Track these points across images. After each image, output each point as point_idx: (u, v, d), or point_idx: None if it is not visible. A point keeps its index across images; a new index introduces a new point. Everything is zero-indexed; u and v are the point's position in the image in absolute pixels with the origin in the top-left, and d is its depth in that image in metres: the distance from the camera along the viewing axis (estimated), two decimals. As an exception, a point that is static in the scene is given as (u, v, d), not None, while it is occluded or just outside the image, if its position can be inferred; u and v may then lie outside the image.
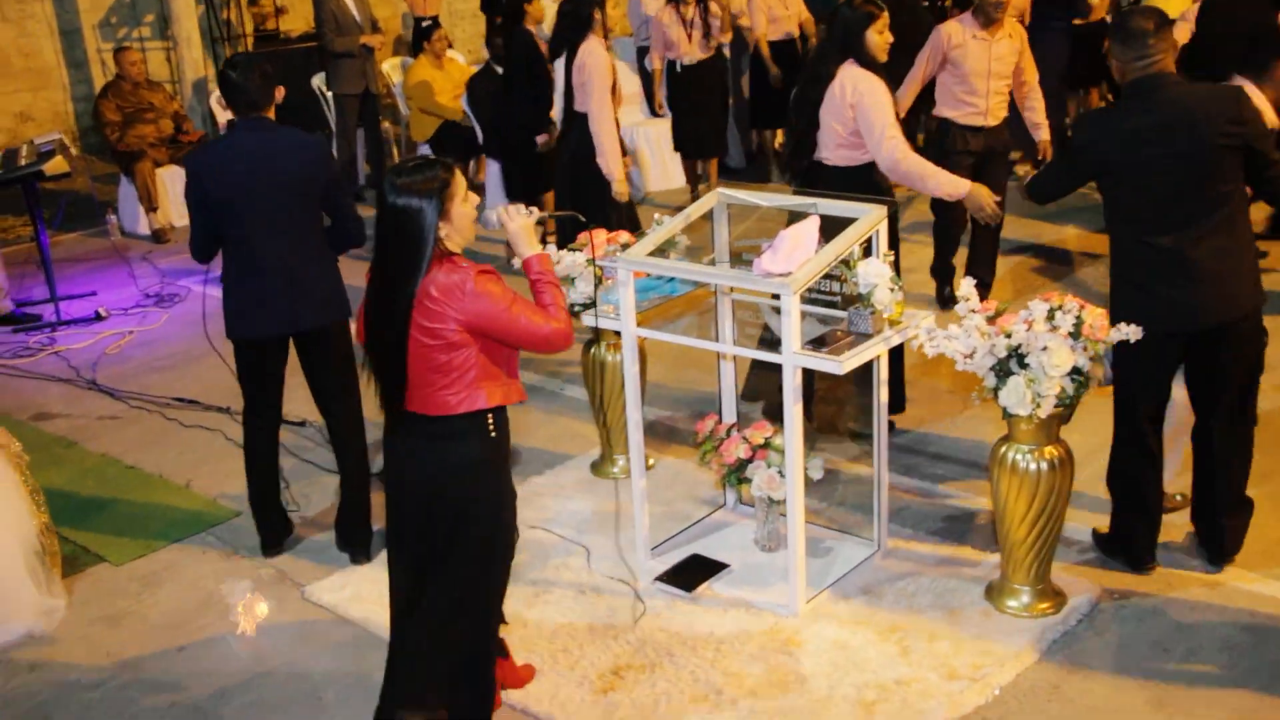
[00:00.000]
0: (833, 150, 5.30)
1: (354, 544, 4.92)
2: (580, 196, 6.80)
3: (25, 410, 6.66)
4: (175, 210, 10.09)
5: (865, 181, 5.21)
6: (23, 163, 7.88)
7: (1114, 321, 4.06)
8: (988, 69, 6.75)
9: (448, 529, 3.53)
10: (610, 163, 6.73)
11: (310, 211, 4.65)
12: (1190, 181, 4.13)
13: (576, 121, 6.87)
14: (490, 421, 3.50)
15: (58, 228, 9.93)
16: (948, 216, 7.06)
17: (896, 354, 5.29)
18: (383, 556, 4.88)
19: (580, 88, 6.73)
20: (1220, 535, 4.48)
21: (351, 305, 4.58)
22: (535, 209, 3.76)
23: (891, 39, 5.23)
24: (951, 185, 5.25)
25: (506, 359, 3.52)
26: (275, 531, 5.03)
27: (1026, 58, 6.87)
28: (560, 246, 5.31)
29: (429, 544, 3.57)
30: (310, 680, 4.22)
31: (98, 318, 7.98)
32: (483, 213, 3.70)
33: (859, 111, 5.14)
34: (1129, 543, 4.52)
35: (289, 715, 4.05)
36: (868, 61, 5.18)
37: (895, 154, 5.10)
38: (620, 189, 6.78)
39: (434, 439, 3.49)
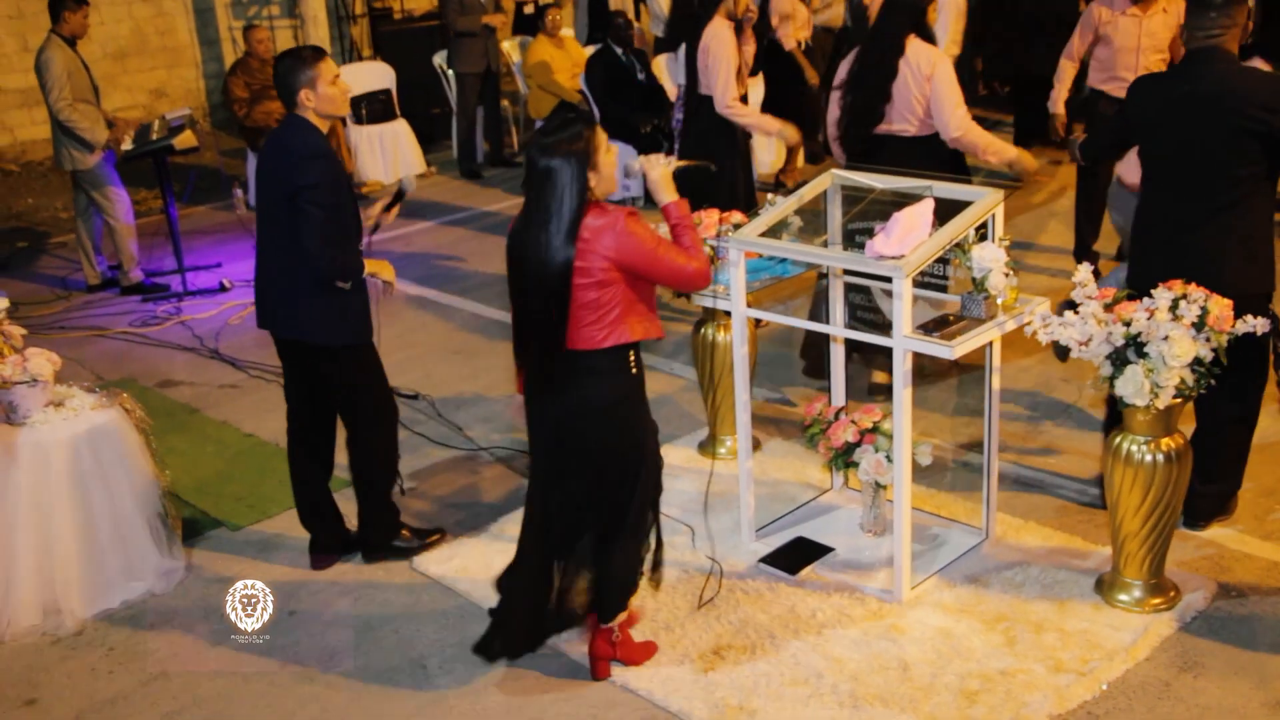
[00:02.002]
0: (908, 122, 5.51)
1: (362, 547, 4.91)
2: (700, 182, 6.70)
3: (151, 377, 6.87)
4: (299, 185, 10.31)
5: (940, 152, 5.49)
6: (154, 137, 8.11)
7: (1130, 276, 4.25)
8: (1137, 44, 6.85)
9: (602, 462, 3.80)
10: (766, 125, 6.81)
11: (283, 221, 4.39)
12: (1211, 157, 4.24)
13: (701, 105, 6.80)
14: (632, 358, 3.76)
15: (187, 201, 10.23)
16: (1090, 199, 7.06)
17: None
18: (491, 529, 4.97)
19: (704, 70, 6.66)
20: (1192, 498, 4.46)
21: (341, 331, 4.52)
22: (673, 158, 3.96)
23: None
24: (1002, 152, 5.53)
25: (647, 296, 3.76)
26: (318, 542, 4.89)
27: None
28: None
29: (586, 480, 3.82)
30: (415, 648, 4.30)
31: (222, 289, 8.20)
32: (624, 164, 3.85)
33: (934, 84, 5.40)
34: None
35: (393, 681, 4.13)
36: (928, 35, 5.52)
37: (965, 124, 5.43)
38: (788, 133, 6.90)
39: (580, 374, 3.71)
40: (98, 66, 9.72)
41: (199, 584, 4.80)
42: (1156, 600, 4.17)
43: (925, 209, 4.12)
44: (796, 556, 4.58)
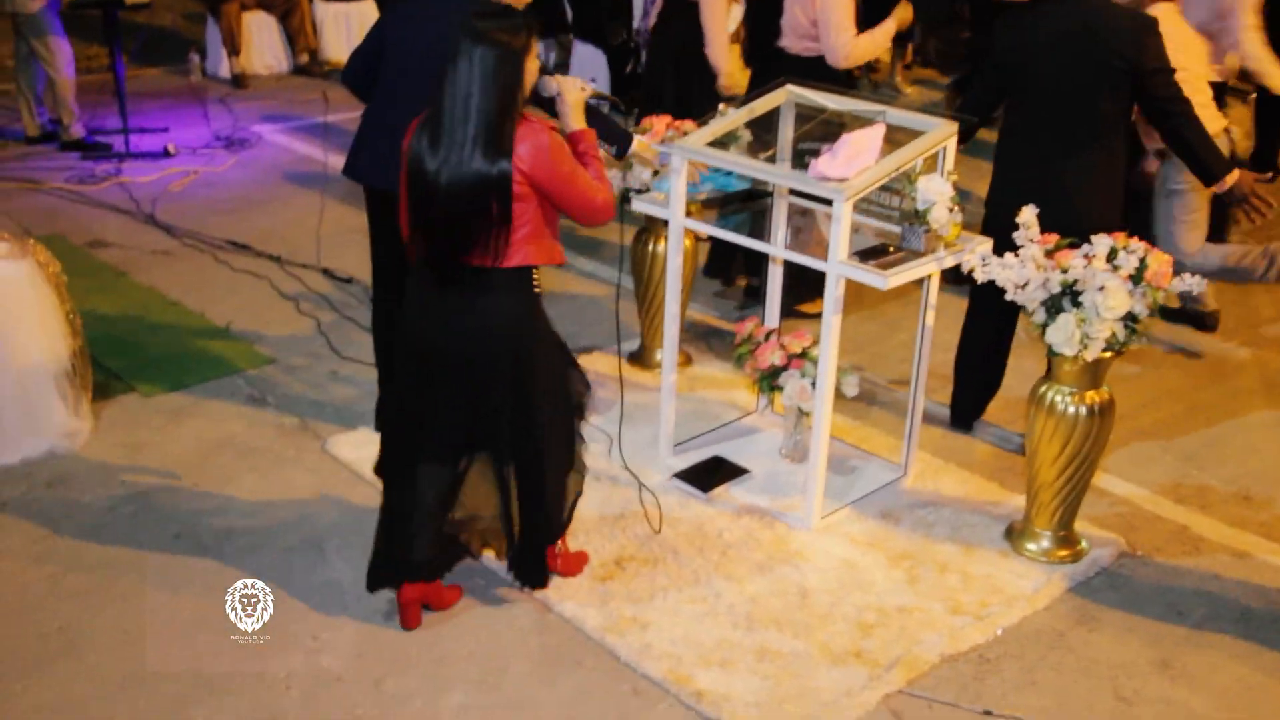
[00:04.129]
0: (799, 40, 5.46)
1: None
2: (683, 87, 6.51)
3: (82, 236, 6.69)
4: (258, 57, 10.05)
5: (830, 75, 5.36)
6: (105, -11, 7.85)
7: (986, 223, 4.32)
8: None
9: (501, 383, 3.56)
10: (717, 53, 6.45)
11: None
12: (1076, 94, 4.33)
13: (683, 10, 6.58)
14: (535, 278, 3.55)
15: (134, 59, 9.93)
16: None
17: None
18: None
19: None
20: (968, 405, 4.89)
21: None
22: (590, 85, 3.71)
23: None
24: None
25: (552, 220, 3.55)
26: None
27: None
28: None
29: (491, 403, 3.59)
30: (315, 529, 4.22)
31: (166, 154, 7.98)
32: (540, 79, 3.60)
33: (820, 6, 5.29)
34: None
35: (287, 561, 4.05)
36: None
37: (849, 51, 5.33)
38: (729, 81, 6.52)
39: (479, 291, 3.48)
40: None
41: (102, 447, 4.70)
42: (1063, 552, 4.16)
43: (876, 134, 4.02)
44: (711, 475, 4.52)
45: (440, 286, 3.51)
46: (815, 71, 5.21)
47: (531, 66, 3.39)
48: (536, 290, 3.57)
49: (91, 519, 4.26)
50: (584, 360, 5.39)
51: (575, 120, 3.64)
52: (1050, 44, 4.36)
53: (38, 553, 4.08)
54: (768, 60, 5.53)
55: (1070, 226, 4.01)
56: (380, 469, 3.83)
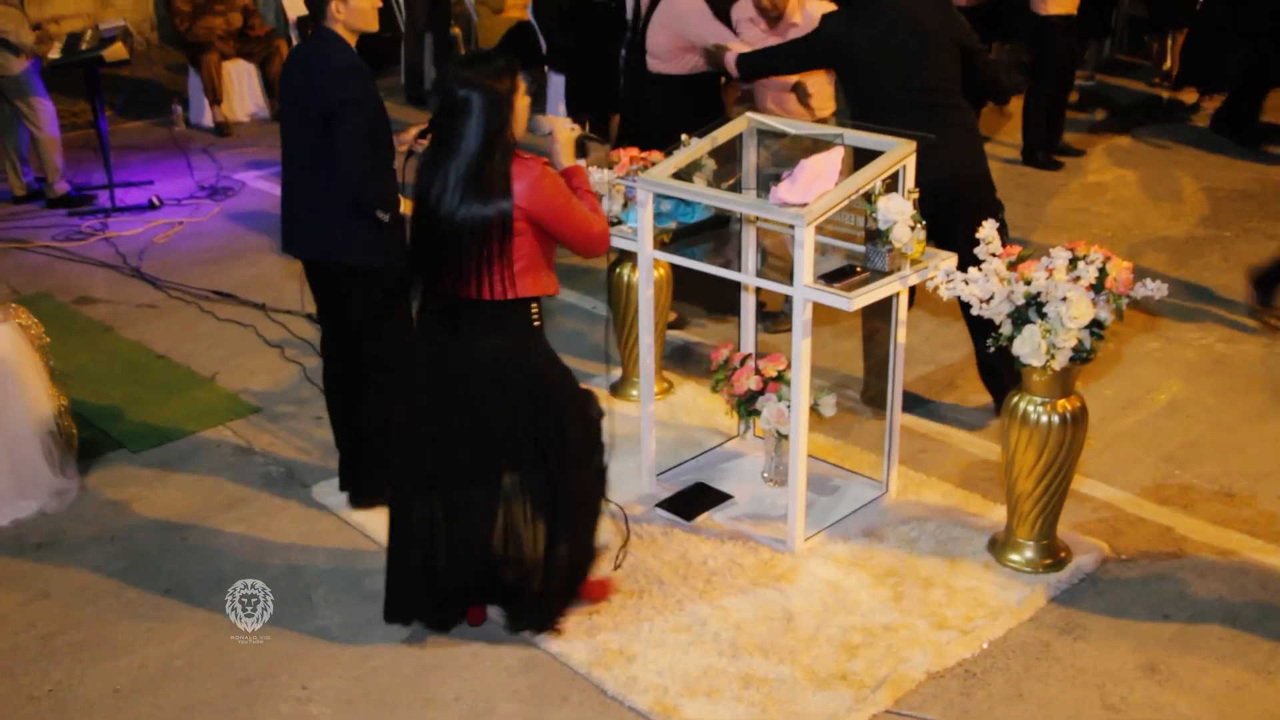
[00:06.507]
0: (662, 61, 5.80)
1: (362, 491, 4.64)
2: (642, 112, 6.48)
3: (69, 293, 6.74)
4: (239, 104, 10.12)
5: (697, 91, 5.86)
6: (84, 47, 7.92)
7: None
8: None
9: (527, 410, 3.68)
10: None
11: (315, 140, 4.15)
12: (920, 70, 4.79)
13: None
14: (534, 310, 3.67)
15: (119, 112, 10.01)
16: None
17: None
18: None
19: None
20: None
21: (374, 251, 4.25)
22: (577, 126, 3.88)
23: None
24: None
25: (549, 253, 3.66)
26: (350, 480, 4.66)
27: None
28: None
29: (510, 434, 3.69)
30: (303, 578, 4.25)
31: (151, 206, 8.03)
32: (533, 118, 3.71)
33: (680, 28, 5.67)
34: None
35: (278, 612, 4.08)
36: None
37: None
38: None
39: (482, 325, 3.60)
40: (40, -28, 9.47)
41: (93, 505, 4.73)
42: (1047, 561, 4.17)
43: (834, 157, 4.05)
44: (694, 503, 4.55)
45: (443, 321, 3.62)
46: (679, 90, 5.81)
47: (520, 105, 3.53)
48: (536, 323, 3.69)
49: (82, 578, 4.30)
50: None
51: (566, 157, 3.78)
52: (892, 34, 4.80)
53: (29, 615, 4.12)
54: (645, 81, 5.91)
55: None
56: (390, 506, 3.88)
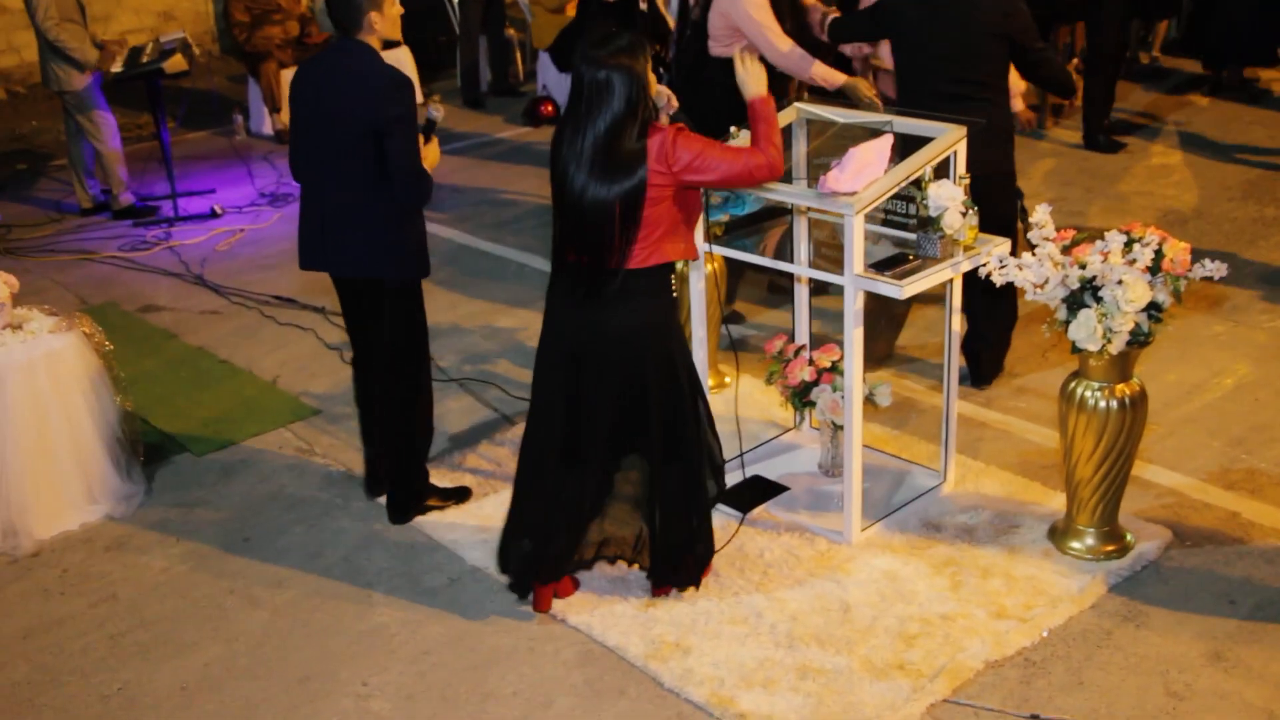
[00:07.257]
0: (720, 44, 5.73)
1: (392, 506, 4.63)
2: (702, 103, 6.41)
3: (134, 302, 6.86)
4: (299, 112, 10.25)
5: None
6: (145, 60, 8.05)
7: None
8: None
9: (639, 386, 3.76)
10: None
11: (361, 155, 4.14)
12: (960, 56, 4.83)
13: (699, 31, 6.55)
14: (672, 279, 3.77)
15: (181, 124, 10.17)
16: None
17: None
18: (452, 459, 4.96)
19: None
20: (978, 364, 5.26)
21: (412, 263, 4.32)
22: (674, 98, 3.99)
23: None
24: (830, 78, 5.62)
25: (690, 216, 3.74)
26: (375, 477, 4.75)
27: None
28: None
29: (642, 404, 3.77)
30: (363, 577, 4.30)
31: (213, 214, 8.16)
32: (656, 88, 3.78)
33: (738, 16, 5.59)
34: None
35: (336, 609, 4.13)
36: None
37: (776, 52, 5.55)
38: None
39: (620, 295, 3.66)
40: (102, -13, 9.65)
41: (158, 508, 4.82)
42: (1108, 548, 4.12)
43: (883, 145, 4.03)
44: (750, 495, 4.54)
45: (582, 291, 3.69)
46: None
47: (652, 78, 3.63)
48: (675, 294, 3.79)
49: (149, 579, 4.38)
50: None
51: (758, 86, 3.81)
52: (932, 14, 4.87)
53: (98, 615, 4.20)
54: (698, 63, 5.89)
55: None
56: (518, 473, 3.99)
